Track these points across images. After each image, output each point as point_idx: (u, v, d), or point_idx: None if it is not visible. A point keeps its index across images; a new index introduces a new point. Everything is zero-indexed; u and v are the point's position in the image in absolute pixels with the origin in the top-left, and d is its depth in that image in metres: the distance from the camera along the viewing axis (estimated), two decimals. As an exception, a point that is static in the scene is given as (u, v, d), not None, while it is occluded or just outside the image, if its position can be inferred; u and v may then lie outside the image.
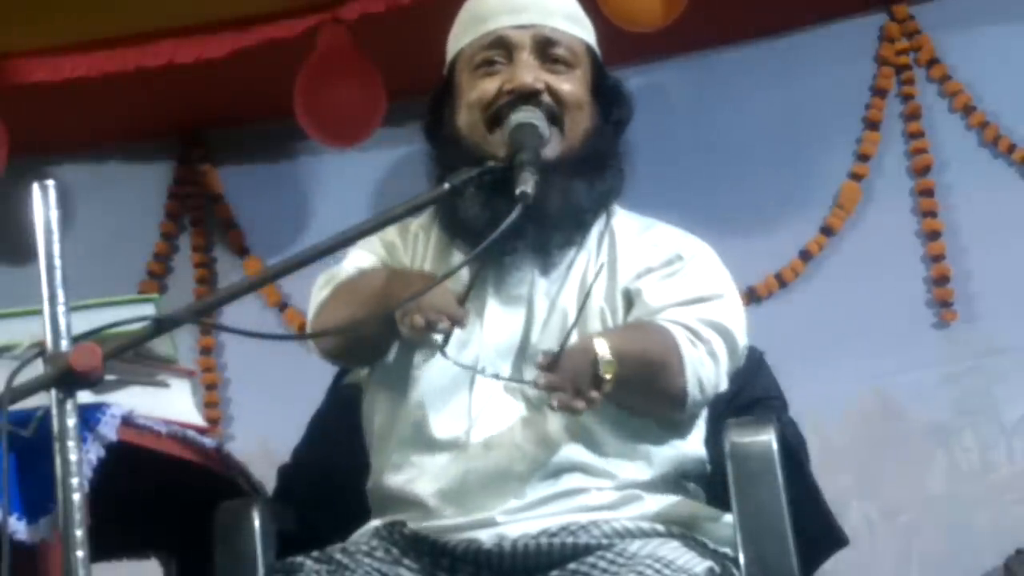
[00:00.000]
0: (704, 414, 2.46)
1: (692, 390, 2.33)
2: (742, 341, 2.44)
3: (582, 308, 2.33)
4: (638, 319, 2.38)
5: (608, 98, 2.53)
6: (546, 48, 2.47)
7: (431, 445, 2.35)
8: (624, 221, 2.53)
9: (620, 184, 2.51)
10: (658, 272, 2.45)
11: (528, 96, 2.42)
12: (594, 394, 2.19)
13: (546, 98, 2.43)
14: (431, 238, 2.53)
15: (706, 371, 2.35)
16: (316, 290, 2.50)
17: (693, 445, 2.44)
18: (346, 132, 4.67)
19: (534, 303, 2.42)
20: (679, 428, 2.42)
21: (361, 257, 2.51)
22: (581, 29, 2.53)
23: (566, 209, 2.43)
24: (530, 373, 2.32)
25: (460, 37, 2.53)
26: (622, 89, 2.55)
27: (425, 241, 2.53)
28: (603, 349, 2.22)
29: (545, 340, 2.36)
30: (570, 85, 2.46)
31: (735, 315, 2.45)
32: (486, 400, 2.36)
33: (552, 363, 2.17)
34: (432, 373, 2.38)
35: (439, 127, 2.52)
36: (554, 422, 2.33)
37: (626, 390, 2.25)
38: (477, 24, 2.50)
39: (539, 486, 2.30)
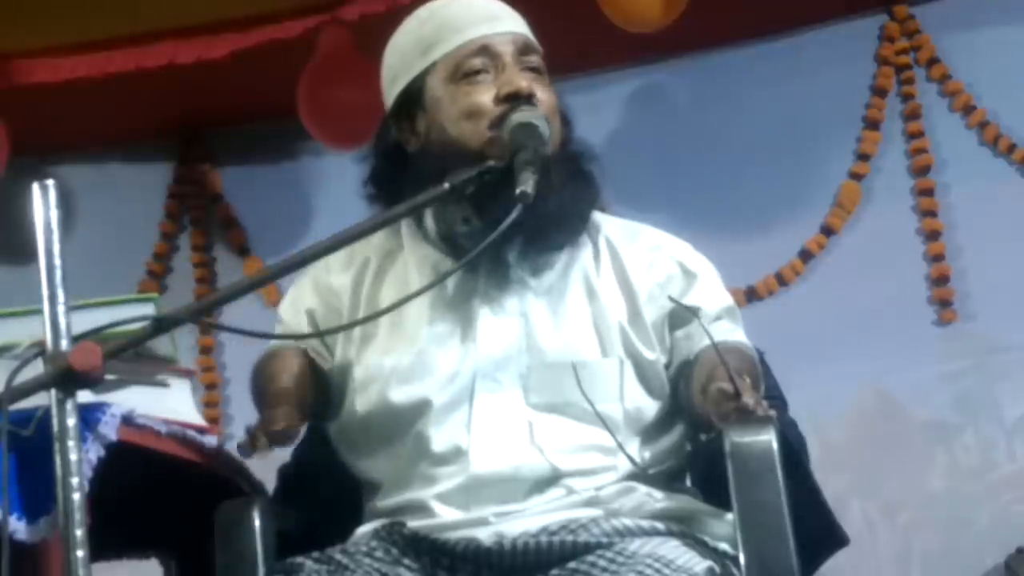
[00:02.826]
0: None
1: None
2: None
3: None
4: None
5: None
6: (523, 55, 2.44)
7: (434, 459, 2.35)
8: (609, 227, 2.52)
9: (600, 192, 2.50)
10: (681, 282, 2.45)
11: (524, 100, 2.39)
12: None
13: (539, 105, 2.40)
14: (410, 253, 2.48)
15: None
16: (277, 320, 2.53)
17: (683, 441, 2.45)
18: (350, 134, 4.67)
19: (529, 313, 2.40)
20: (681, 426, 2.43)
21: (299, 299, 2.50)
22: (536, 40, 2.50)
23: (556, 217, 2.39)
24: (536, 383, 2.34)
25: (429, 50, 2.46)
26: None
27: (403, 257, 2.48)
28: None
29: (550, 351, 2.37)
30: (547, 93, 2.43)
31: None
32: (486, 411, 2.35)
33: (736, 380, 2.14)
34: (431, 391, 2.36)
35: (398, 146, 2.47)
36: (553, 430, 2.34)
37: None
38: (452, 34, 2.44)
39: (540, 492, 2.30)
